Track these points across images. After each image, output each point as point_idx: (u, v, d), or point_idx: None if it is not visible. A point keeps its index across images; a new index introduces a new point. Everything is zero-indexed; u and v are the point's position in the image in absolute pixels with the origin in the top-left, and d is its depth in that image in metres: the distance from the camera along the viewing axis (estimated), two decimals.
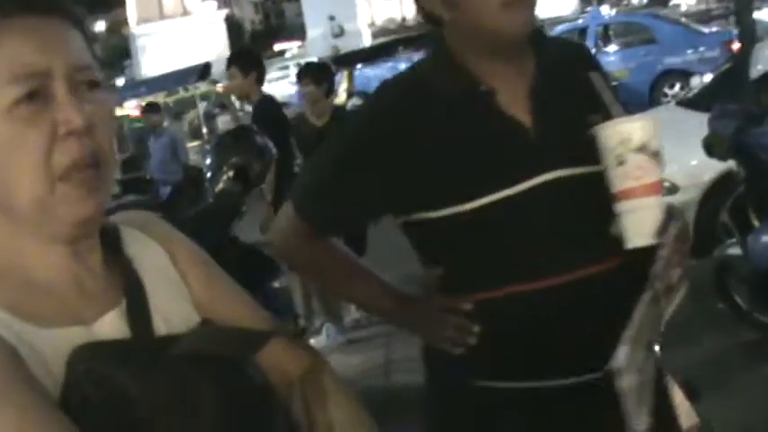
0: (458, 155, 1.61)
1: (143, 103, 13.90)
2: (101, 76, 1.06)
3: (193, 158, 11.98)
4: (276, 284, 4.35)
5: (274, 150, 4.47)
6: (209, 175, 4.17)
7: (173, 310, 1.11)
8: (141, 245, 1.15)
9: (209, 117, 19.26)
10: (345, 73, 14.66)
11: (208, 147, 13.96)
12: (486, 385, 1.67)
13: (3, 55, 0.99)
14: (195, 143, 16.45)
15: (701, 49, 14.75)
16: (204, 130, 18.40)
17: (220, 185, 4.14)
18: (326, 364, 1.23)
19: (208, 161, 4.34)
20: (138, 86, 21.57)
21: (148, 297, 1.09)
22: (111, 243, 1.12)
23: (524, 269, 1.61)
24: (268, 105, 5.70)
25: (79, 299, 1.05)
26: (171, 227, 1.23)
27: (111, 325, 1.04)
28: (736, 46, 14.45)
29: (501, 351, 1.64)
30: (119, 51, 44.97)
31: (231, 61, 5.73)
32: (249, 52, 6.62)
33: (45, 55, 1.00)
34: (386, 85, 1.75)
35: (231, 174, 4.15)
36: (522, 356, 1.64)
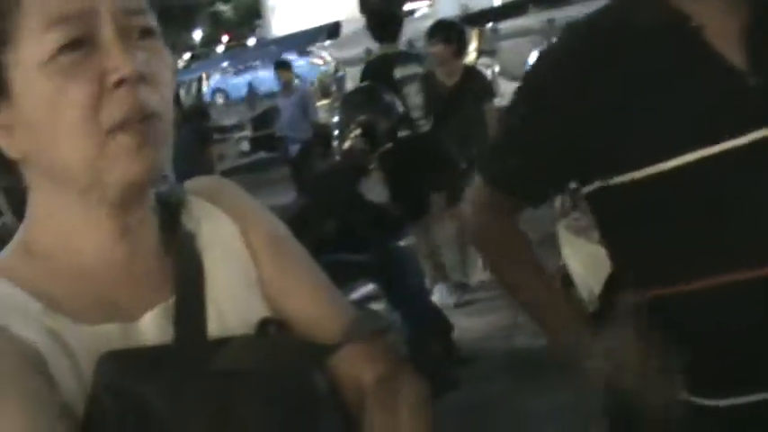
0: (656, 100, 1.37)
1: None
2: (155, 23, 0.92)
3: (323, 117, 12.10)
4: (402, 243, 4.36)
5: (401, 109, 4.45)
6: (336, 132, 4.20)
7: (233, 302, 0.98)
8: (208, 217, 1.02)
9: (338, 76, 19.39)
10: (475, 32, 14.47)
11: (336, 105, 14.07)
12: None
13: None
14: (325, 101, 16.59)
15: None
16: (333, 88, 18.53)
17: (347, 143, 4.17)
18: (405, 370, 1.07)
19: (336, 119, 4.37)
20: (268, 45, 21.86)
21: (207, 286, 0.96)
22: (170, 217, 0.99)
23: (739, 253, 1.34)
24: (379, 63, 5.68)
25: (125, 287, 0.94)
26: (245, 194, 1.08)
27: (155, 323, 0.92)
28: None
29: (699, 359, 1.35)
30: (250, 11, 45.65)
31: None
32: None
33: None
34: (574, 26, 1.52)
35: (358, 132, 4.17)
36: (725, 366, 1.38)
